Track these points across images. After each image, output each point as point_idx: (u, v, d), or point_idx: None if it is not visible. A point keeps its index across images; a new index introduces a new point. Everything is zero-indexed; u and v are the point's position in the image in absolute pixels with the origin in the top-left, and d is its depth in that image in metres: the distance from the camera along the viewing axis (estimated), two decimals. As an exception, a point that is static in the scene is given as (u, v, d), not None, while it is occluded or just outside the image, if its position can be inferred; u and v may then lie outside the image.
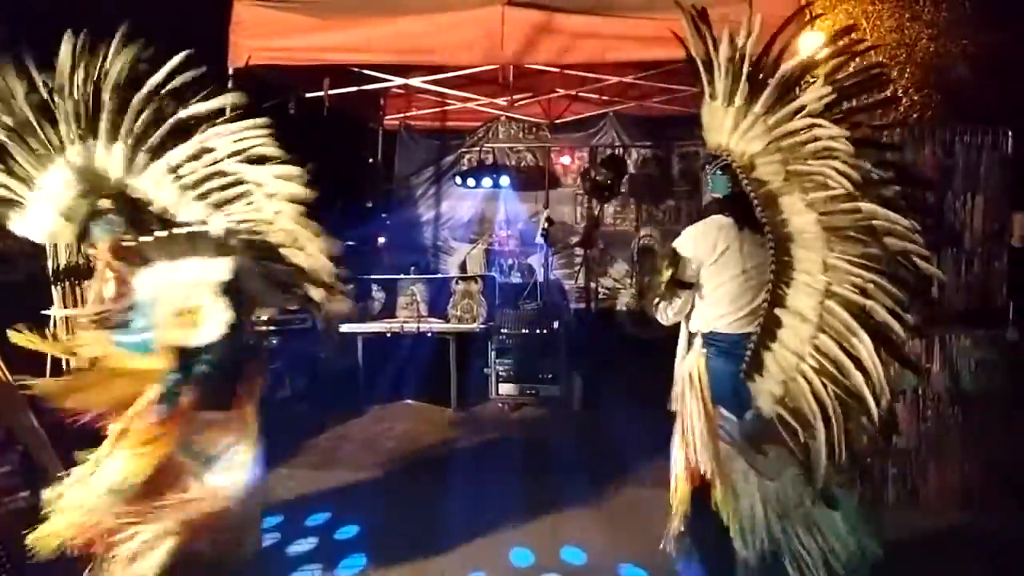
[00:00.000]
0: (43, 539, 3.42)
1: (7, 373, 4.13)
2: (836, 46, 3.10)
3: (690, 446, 3.47)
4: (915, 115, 8.55)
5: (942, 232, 4.93)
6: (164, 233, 3.22)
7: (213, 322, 3.23)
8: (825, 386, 2.99)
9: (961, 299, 4.91)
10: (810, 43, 4.02)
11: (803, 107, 2.99)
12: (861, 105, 3.07)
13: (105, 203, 3.43)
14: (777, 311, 3.11)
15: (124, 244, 3.37)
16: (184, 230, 3.24)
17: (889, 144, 3.58)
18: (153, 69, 3.48)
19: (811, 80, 3.07)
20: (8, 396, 4.07)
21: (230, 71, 5.62)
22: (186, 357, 3.30)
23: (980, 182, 4.93)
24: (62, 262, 5.05)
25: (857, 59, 3.20)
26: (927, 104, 8.67)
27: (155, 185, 3.36)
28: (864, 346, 2.92)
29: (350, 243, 8.60)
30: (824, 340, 2.99)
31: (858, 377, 2.92)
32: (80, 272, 5.09)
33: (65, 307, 4.98)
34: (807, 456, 3.06)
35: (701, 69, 3.18)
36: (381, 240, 9.67)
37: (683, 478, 3.55)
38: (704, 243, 3.51)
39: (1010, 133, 4.88)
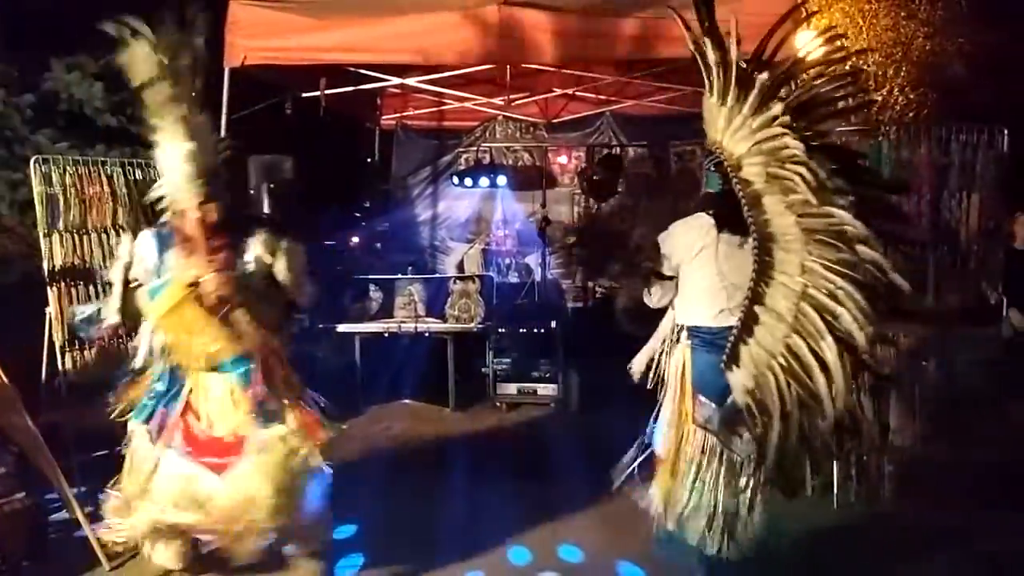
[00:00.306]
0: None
1: (1, 374, 4.12)
2: (819, 52, 3.20)
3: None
4: (911, 113, 8.55)
5: (938, 230, 4.93)
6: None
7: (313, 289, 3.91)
8: (789, 385, 3.09)
9: (956, 297, 4.91)
10: (805, 41, 4.07)
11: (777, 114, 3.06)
12: (838, 110, 3.20)
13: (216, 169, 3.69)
14: (756, 308, 3.21)
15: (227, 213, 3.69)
16: None
17: (855, 152, 3.65)
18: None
19: (805, 78, 3.14)
20: (2, 397, 4.06)
21: (226, 71, 5.61)
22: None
23: (976, 180, 4.92)
24: (57, 263, 5.05)
25: (849, 59, 3.24)
26: (923, 102, 8.67)
27: None
28: (830, 350, 2.99)
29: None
30: (796, 341, 3.08)
31: (820, 379, 3.00)
32: (75, 272, 5.10)
33: (61, 308, 5.00)
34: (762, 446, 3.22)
35: (700, 64, 3.23)
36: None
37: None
38: (682, 243, 3.71)
39: (1006, 131, 4.88)
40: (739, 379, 3.27)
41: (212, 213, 3.60)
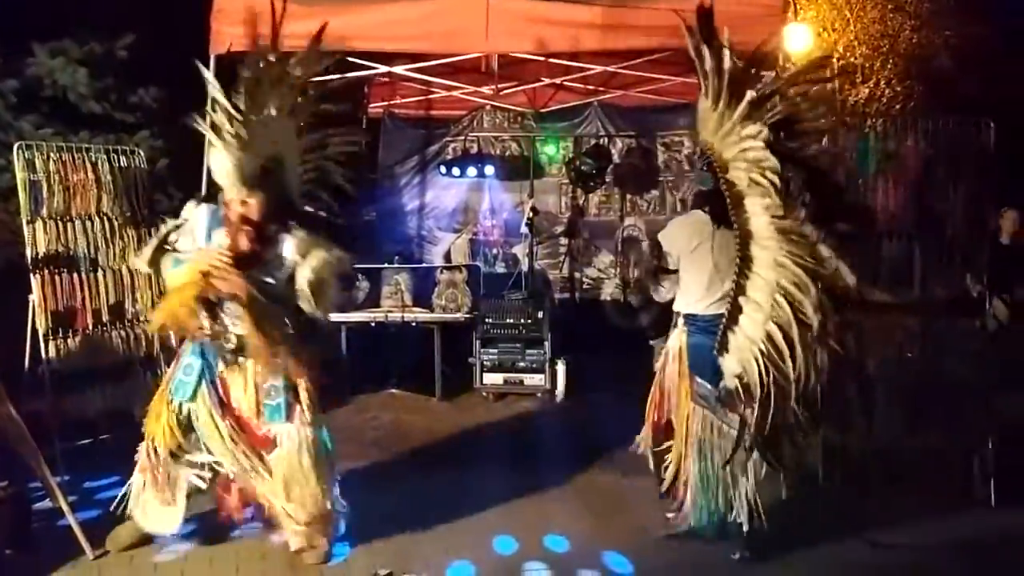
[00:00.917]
0: None
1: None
2: (799, 71, 3.57)
3: (665, 406, 4.20)
4: (898, 106, 8.59)
5: (924, 222, 4.95)
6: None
7: (332, 302, 3.90)
8: (768, 369, 3.46)
9: (942, 289, 4.92)
10: (795, 35, 4.19)
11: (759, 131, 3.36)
12: (810, 128, 3.55)
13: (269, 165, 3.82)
14: (740, 299, 3.56)
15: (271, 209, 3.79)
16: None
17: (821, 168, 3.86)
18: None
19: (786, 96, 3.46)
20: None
21: (211, 59, 5.56)
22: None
23: (962, 173, 4.93)
24: (41, 250, 5.01)
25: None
26: (910, 95, 8.71)
27: None
28: (798, 336, 3.39)
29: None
30: (772, 329, 3.45)
31: (790, 364, 3.41)
32: (59, 260, 5.07)
33: (44, 295, 4.97)
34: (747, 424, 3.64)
35: (698, 69, 3.47)
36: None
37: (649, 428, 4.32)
38: (681, 238, 4.10)
39: (992, 124, 4.89)
40: (729, 364, 3.63)
41: (255, 211, 3.73)
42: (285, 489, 3.89)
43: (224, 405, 3.91)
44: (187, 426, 3.93)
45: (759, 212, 3.44)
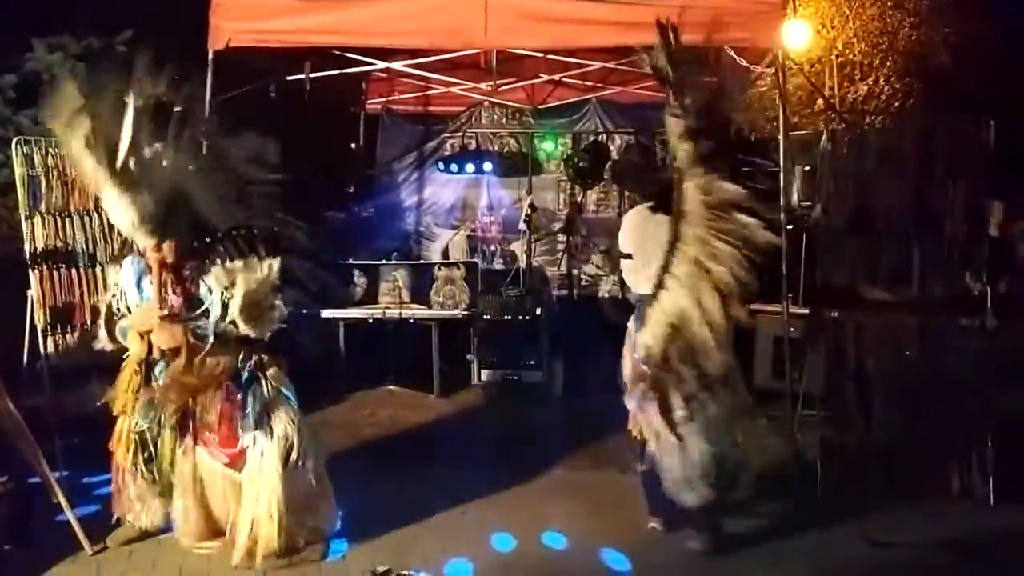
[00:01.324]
0: None
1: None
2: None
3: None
4: (897, 103, 8.57)
5: (922, 220, 4.94)
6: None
7: (275, 316, 3.81)
8: (674, 338, 3.76)
9: (940, 287, 4.92)
10: (794, 31, 4.27)
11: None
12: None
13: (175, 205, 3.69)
14: (665, 276, 3.82)
15: (187, 244, 3.74)
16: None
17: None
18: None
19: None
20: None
21: (210, 54, 5.55)
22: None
23: (961, 171, 4.92)
24: (39, 245, 5.01)
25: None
26: (909, 92, 8.69)
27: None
28: (710, 302, 3.64)
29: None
30: (687, 300, 3.72)
31: (702, 331, 3.67)
32: (57, 255, 5.06)
33: (43, 291, 4.97)
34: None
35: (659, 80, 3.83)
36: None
37: None
38: (626, 226, 4.48)
39: (991, 122, 4.89)
40: (643, 336, 3.95)
41: (169, 254, 3.68)
42: (266, 496, 3.86)
43: (186, 429, 3.91)
44: (150, 446, 3.95)
45: (692, 190, 3.71)
